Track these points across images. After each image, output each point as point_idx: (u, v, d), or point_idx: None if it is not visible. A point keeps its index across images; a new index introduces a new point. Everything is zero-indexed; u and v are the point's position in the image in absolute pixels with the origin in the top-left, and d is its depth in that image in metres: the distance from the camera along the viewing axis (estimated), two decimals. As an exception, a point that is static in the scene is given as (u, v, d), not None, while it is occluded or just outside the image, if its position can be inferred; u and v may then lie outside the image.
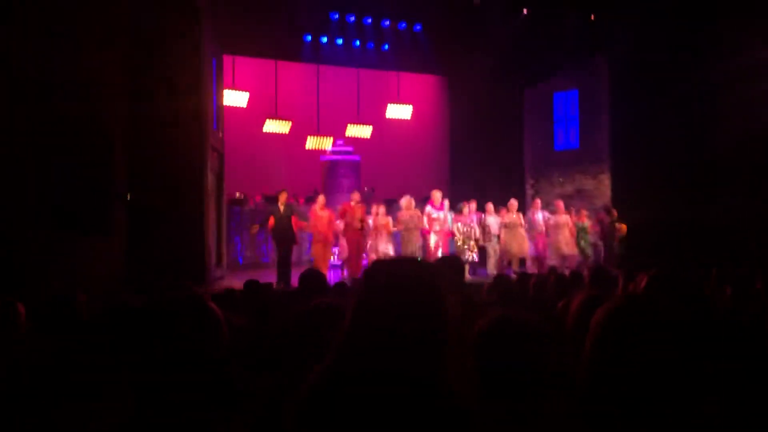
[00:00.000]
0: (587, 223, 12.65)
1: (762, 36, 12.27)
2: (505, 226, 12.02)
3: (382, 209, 11.38)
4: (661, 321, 1.51)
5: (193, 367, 1.56)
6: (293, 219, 10.40)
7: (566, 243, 12.22)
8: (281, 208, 10.32)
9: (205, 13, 10.66)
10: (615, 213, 12.70)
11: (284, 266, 10.27)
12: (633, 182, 13.60)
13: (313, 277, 4.04)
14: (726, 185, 12.52)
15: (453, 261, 4.44)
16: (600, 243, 12.79)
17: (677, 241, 12.47)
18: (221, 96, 12.78)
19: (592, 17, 14.22)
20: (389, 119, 16.77)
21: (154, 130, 9.55)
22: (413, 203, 11.39)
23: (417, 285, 1.47)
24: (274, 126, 15.41)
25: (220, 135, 12.30)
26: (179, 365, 1.55)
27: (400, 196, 11.88)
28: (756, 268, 6.88)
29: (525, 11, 14.62)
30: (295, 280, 7.43)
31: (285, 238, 10.28)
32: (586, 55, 14.78)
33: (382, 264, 1.58)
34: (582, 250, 12.42)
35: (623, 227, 12.43)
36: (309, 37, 15.52)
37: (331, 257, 11.63)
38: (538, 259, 12.36)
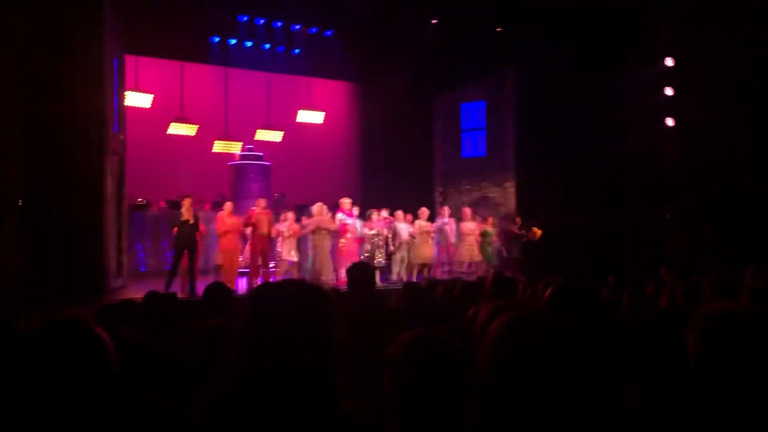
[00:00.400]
0: (492, 230, 12.95)
1: (662, 50, 12.99)
2: (414, 233, 12.13)
3: (290, 215, 11.25)
4: (555, 331, 1.54)
5: (74, 391, 1.47)
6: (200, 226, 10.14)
7: (472, 250, 12.49)
8: (185, 214, 9.97)
9: (107, 12, 10.24)
10: (518, 220, 13.09)
11: (189, 274, 9.98)
12: (537, 190, 14.05)
13: (219, 290, 3.91)
14: (625, 195, 13.16)
15: (363, 268, 4.41)
16: (504, 250, 13.14)
17: (578, 248, 13.00)
18: (123, 97, 12.29)
19: (500, 29, 14.61)
20: (300, 124, 16.63)
21: (50, 131, 9.11)
22: (325, 210, 11.32)
23: (303, 310, 1.44)
24: (180, 129, 14.95)
25: (122, 137, 11.81)
26: (57, 392, 1.46)
27: (311, 202, 11.79)
28: (649, 274, 7.30)
29: (434, 21, 14.85)
30: (201, 289, 7.21)
31: (188, 245, 9.95)
32: (493, 66, 15.15)
33: (268, 288, 1.54)
34: (487, 257, 12.71)
35: (537, 232, 12.75)
36: (217, 39, 15.16)
37: (239, 265, 11.38)
38: (446, 265, 12.58)
